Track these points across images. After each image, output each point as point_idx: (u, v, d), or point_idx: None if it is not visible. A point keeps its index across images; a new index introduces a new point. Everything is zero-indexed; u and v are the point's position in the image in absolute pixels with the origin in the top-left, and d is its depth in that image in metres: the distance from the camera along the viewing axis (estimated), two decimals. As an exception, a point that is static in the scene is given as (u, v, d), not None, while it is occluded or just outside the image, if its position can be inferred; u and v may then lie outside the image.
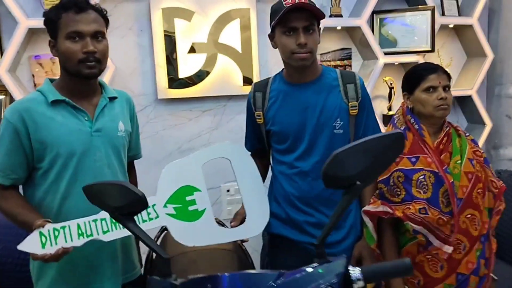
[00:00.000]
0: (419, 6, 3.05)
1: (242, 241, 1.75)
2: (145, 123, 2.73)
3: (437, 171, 1.72)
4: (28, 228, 1.53)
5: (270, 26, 1.74)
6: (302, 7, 1.63)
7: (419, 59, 3.07)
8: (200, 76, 2.76)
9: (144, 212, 1.61)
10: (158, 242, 2.03)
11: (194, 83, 2.76)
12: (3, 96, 2.51)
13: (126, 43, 2.68)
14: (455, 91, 3.09)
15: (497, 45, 3.34)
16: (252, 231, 1.72)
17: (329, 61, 2.99)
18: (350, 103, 1.76)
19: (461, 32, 3.34)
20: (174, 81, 2.72)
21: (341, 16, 2.93)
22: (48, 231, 1.50)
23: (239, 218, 1.76)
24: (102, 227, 1.56)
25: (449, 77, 1.81)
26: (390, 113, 3.14)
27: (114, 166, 1.72)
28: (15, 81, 2.40)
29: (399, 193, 1.76)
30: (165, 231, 2.05)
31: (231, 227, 1.74)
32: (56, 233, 1.51)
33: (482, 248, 1.78)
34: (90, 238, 1.55)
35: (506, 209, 1.88)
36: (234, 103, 2.90)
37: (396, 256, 1.81)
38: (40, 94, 1.64)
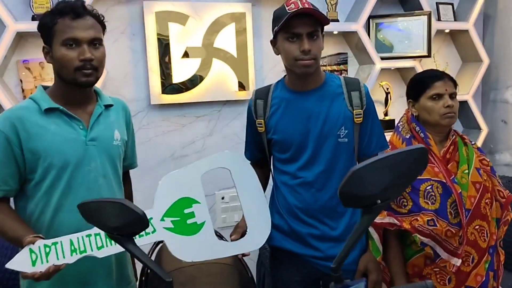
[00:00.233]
0: (416, 11, 3.02)
1: (243, 255, 1.68)
2: (137, 129, 2.65)
3: (444, 181, 1.68)
4: (18, 244, 1.46)
5: (273, 31, 1.68)
6: (306, 12, 1.57)
7: (415, 64, 3.05)
8: (194, 81, 2.70)
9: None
10: (153, 257, 1.96)
11: (188, 89, 2.69)
12: (-10, 102, 2.41)
13: (118, 48, 2.61)
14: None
15: (492, 51, 3.33)
16: (253, 245, 1.66)
17: (325, 65, 2.95)
18: (354, 111, 1.71)
19: (456, 37, 3.33)
20: (168, 86, 2.66)
21: (337, 20, 2.89)
22: (39, 247, 1.43)
23: (240, 231, 1.69)
24: (97, 243, 1.49)
25: (455, 84, 1.77)
26: (387, 118, 3.10)
27: (109, 177, 1.66)
28: (2, 86, 2.31)
29: (405, 204, 1.71)
30: (160, 244, 1.98)
31: (231, 240, 1.67)
32: (47, 249, 1.44)
33: (490, 260, 1.74)
34: (84, 254, 1.47)
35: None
36: (229, 109, 2.85)
37: (402, 269, 1.75)
38: (33, 102, 1.57)
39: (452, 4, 3.20)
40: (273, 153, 1.84)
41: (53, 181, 1.55)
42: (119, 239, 1.11)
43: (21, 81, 2.44)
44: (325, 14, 2.81)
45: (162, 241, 1.65)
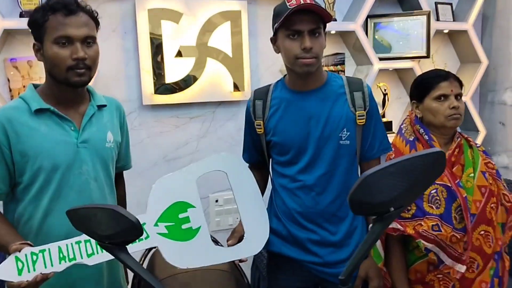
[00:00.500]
0: (414, 11, 2.97)
1: (240, 260, 1.62)
2: (129, 130, 2.57)
3: (449, 185, 1.62)
4: (5, 251, 1.41)
5: (273, 28, 1.62)
6: (307, 8, 1.51)
7: (413, 65, 3.00)
8: (187, 81, 2.62)
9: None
10: (145, 263, 1.89)
11: (182, 89, 2.62)
12: (-24, 102, 2.33)
13: (110, 46, 2.53)
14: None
15: (491, 51, 3.29)
16: (251, 250, 1.60)
17: (322, 66, 2.88)
18: (357, 112, 1.65)
19: (455, 38, 3.28)
20: (160, 87, 2.58)
21: (335, 20, 2.82)
22: (26, 255, 1.37)
23: (237, 236, 1.63)
24: (87, 250, 1.43)
25: (461, 84, 1.72)
26: (384, 120, 3.05)
27: (101, 180, 1.61)
28: (-12, 86, 2.23)
29: (409, 208, 1.65)
30: (153, 250, 1.90)
31: (228, 245, 1.62)
32: (34, 257, 1.38)
33: (495, 267, 1.69)
34: (73, 262, 1.41)
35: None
36: (224, 110, 2.78)
37: (404, 276, 1.70)
38: (23, 102, 1.51)
39: (451, 4, 3.15)
40: (272, 156, 1.78)
41: (43, 185, 1.50)
42: (111, 249, 1.04)
43: (8, 80, 2.36)
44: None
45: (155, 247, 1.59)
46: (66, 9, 1.45)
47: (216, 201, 2.81)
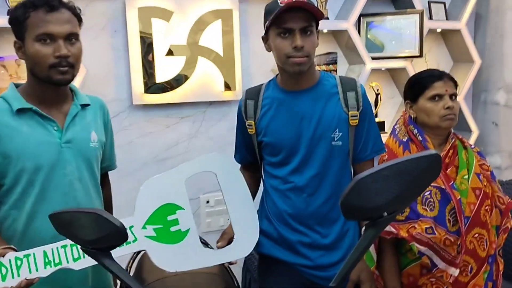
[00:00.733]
0: (407, 10, 2.95)
1: (230, 263, 1.58)
2: (118, 130, 2.54)
3: (443, 187, 1.59)
4: None
5: (264, 27, 1.58)
6: (298, 6, 1.48)
7: (406, 64, 2.98)
8: (178, 80, 2.59)
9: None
10: (134, 267, 1.85)
11: (172, 88, 2.58)
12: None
13: (99, 45, 2.49)
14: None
15: (484, 51, 3.27)
16: (240, 252, 1.56)
17: (315, 65, 2.85)
18: (350, 113, 1.61)
19: (448, 37, 3.26)
20: (151, 86, 2.54)
21: (327, 18, 2.80)
22: (10, 260, 1.34)
23: (226, 238, 1.59)
24: (73, 254, 1.39)
25: (456, 84, 1.69)
26: (377, 120, 3.02)
27: (86, 181, 1.57)
28: (-26, 85, 2.18)
29: (403, 210, 1.61)
30: (141, 252, 1.87)
31: (218, 247, 1.58)
32: (19, 262, 1.34)
33: (489, 270, 1.67)
34: (59, 267, 1.37)
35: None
36: (215, 110, 2.74)
37: (397, 280, 1.67)
38: (4, 102, 1.47)
39: (444, 3, 3.13)
40: (263, 156, 1.75)
41: (26, 187, 1.47)
42: (94, 254, 1.00)
43: (-5, 79, 2.32)
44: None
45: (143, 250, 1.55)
46: (48, 5, 1.41)
47: (207, 202, 2.77)
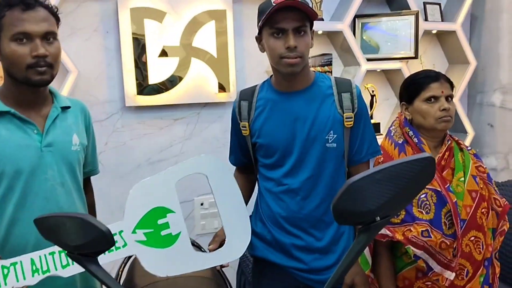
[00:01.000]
0: (403, 11, 2.93)
1: (222, 266, 1.56)
2: (111, 132, 2.52)
3: (439, 189, 1.57)
4: None
5: (258, 27, 1.56)
6: (292, 5, 1.45)
7: (402, 66, 2.96)
8: (172, 81, 2.56)
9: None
10: (125, 272, 1.82)
11: (166, 89, 2.56)
12: None
13: (91, 46, 2.47)
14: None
15: (479, 52, 3.25)
16: (232, 255, 1.54)
17: (309, 66, 2.83)
18: (345, 114, 1.59)
19: (443, 38, 3.25)
20: (144, 87, 2.52)
21: (322, 19, 2.77)
22: None
23: (218, 240, 1.58)
24: (61, 261, 1.36)
25: (452, 85, 1.66)
26: (372, 121, 3.00)
27: (68, 185, 1.53)
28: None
29: (399, 213, 1.59)
30: (132, 257, 1.84)
31: (209, 250, 1.56)
32: (5, 271, 1.31)
33: (485, 273, 1.65)
34: (47, 274, 1.34)
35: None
36: (209, 111, 2.72)
37: (392, 283, 1.65)
38: None
39: (439, 4, 3.11)
40: (258, 158, 1.72)
41: (6, 192, 1.42)
42: (81, 260, 0.97)
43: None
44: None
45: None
46: (23, 3, 1.37)
47: (201, 204, 2.74)
